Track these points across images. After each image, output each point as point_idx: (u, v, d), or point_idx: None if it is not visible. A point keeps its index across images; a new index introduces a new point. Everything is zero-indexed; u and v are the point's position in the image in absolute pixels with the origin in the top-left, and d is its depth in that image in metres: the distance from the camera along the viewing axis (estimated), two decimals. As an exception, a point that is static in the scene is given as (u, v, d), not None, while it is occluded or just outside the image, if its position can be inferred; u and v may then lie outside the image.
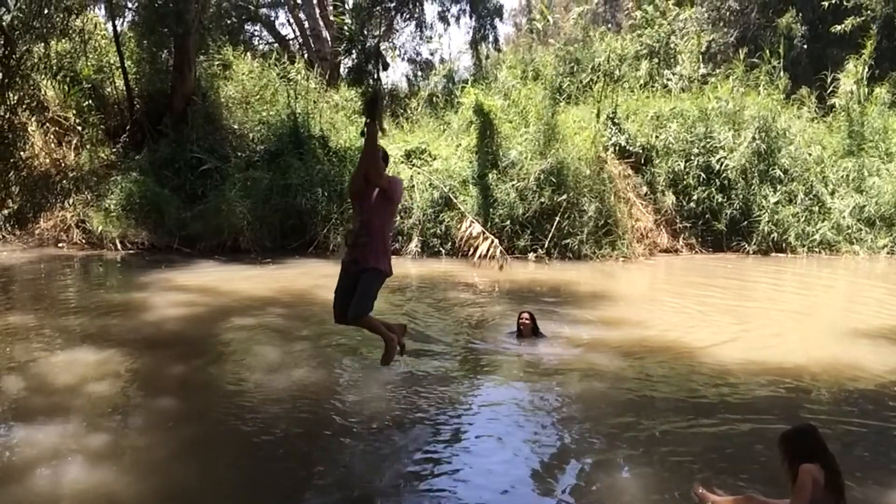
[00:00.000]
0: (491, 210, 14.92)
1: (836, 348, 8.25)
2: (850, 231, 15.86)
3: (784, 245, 15.73)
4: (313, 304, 10.11)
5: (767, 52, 18.90)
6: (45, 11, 15.94)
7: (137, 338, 8.22)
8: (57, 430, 5.49)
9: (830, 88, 19.25)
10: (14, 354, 7.57)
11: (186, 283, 11.43)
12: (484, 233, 14.12)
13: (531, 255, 14.46)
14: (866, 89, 18.55)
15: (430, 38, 27.55)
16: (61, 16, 16.48)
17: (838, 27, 21.48)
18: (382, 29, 21.26)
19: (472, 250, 14.08)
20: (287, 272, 12.86)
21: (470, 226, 14.27)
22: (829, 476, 3.79)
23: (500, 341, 8.28)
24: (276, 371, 7.01)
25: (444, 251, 14.74)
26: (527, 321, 8.05)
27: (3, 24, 16.30)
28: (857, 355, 7.90)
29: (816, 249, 15.63)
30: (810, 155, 16.99)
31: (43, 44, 16.52)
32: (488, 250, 13.74)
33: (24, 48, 16.39)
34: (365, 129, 5.29)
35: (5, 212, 16.28)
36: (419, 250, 14.65)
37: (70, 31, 17.14)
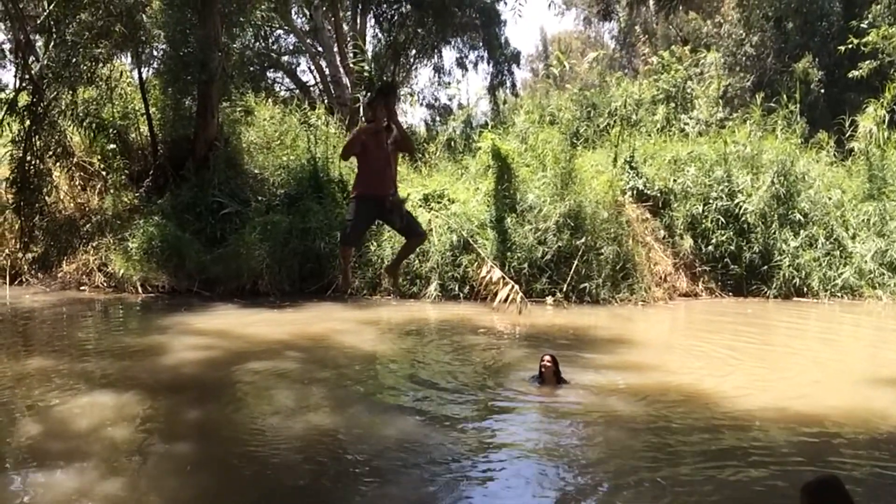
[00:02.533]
0: (508, 253, 14.91)
1: (860, 394, 8.09)
2: (872, 275, 15.66)
3: (805, 289, 15.55)
4: (331, 347, 10.12)
5: (784, 96, 18.95)
6: (73, 60, 16.37)
7: (155, 381, 8.25)
8: (75, 474, 5.49)
9: (849, 133, 19.20)
10: (33, 398, 7.61)
11: (205, 327, 11.48)
12: (504, 278, 14.09)
13: (549, 299, 14.39)
14: (886, 133, 18.46)
15: (449, 83, 28.06)
16: (88, 64, 16.92)
17: (855, 72, 21.53)
18: (402, 75, 21.60)
19: (491, 295, 14.04)
20: (305, 316, 12.89)
21: (490, 271, 14.26)
22: None
23: (520, 386, 8.20)
24: (293, 415, 6.99)
25: (462, 295, 14.71)
26: (549, 365, 7.96)
27: (32, 72, 16.77)
28: (883, 401, 7.74)
29: (838, 294, 15.42)
30: (830, 199, 16.88)
31: (70, 91, 16.94)
32: (508, 296, 13.69)
33: (52, 96, 16.83)
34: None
35: (29, 256, 16.53)
36: (438, 294, 14.63)
37: (97, 79, 17.57)
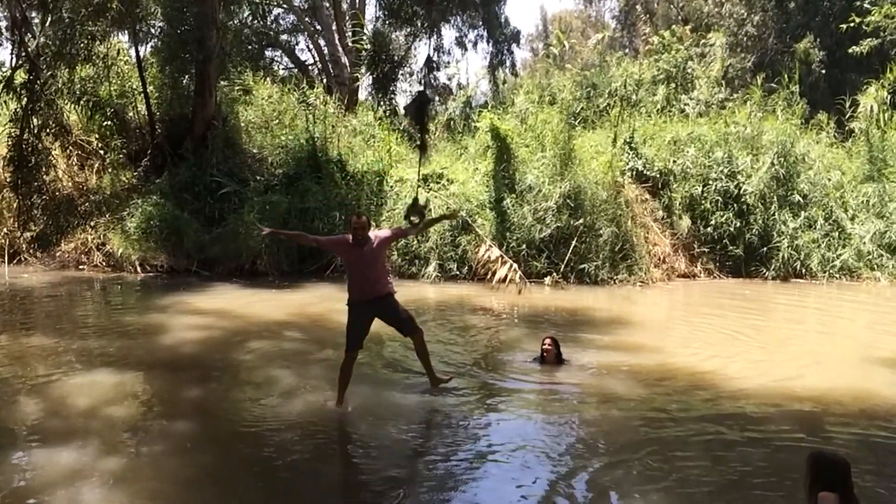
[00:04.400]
0: (507, 234, 14.91)
1: (858, 375, 8.13)
2: (870, 257, 15.68)
3: (804, 271, 15.57)
4: (329, 328, 10.12)
5: (785, 77, 18.86)
6: (70, 38, 16.26)
7: (155, 360, 8.27)
8: (75, 452, 5.51)
9: (849, 114, 19.13)
10: (33, 376, 7.64)
11: (204, 307, 11.50)
12: (502, 257, 14.09)
13: (547, 280, 14.39)
14: (887, 113, 18.39)
15: (448, 63, 27.86)
16: (85, 42, 16.80)
17: (856, 48, 21.44)
18: (401, 54, 21.42)
19: (489, 274, 14.06)
20: (304, 296, 12.90)
21: (488, 250, 14.27)
22: None
23: (521, 366, 8.23)
24: (292, 395, 7.01)
25: (461, 275, 14.72)
26: (549, 347, 7.99)
27: (29, 50, 16.66)
28: (880, 382, 7.77)
29: (836, 275, 15.45)
30: (829, 180, 16.86)
31: (67, 69, 16.83)
32: (507, 275, 13.70)
33: (49, 73, 16.72)
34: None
35: (28, 234, 16.52)
36: (437, 274, 14.64)
37: (94, 57, 17.45)
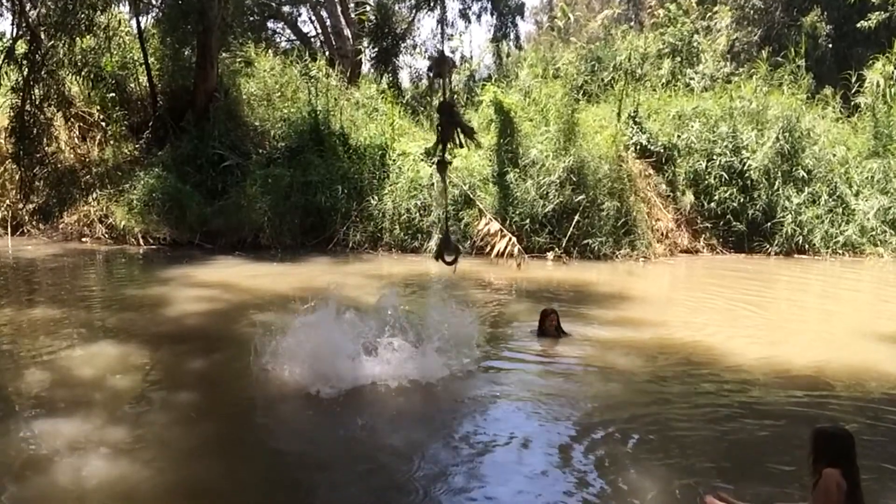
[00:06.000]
0: (510, 208, 14.86)
1: (858, 350, 8.15)
2: (874, 233, 15.63)
3: (807, 246, 15.54)
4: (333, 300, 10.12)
5: (792, 51, 18.69)
6: (71, 8, 16.12)
7: (158, 332, 8.30)
8: (79, 422, 5.56)
9: (855, 88, 18.95)
10: (37, 347, 7.67)
11: (207, 279, 11.51)
12: (502, 230, 14.07)
13: (550, 255, 14.39)
14: (893, 89, 18.21)
15: (452, 35, 27.59)
16: (86, 12, 16.66)
17: (864, 23, 21.21)
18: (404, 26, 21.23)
19: (489, 248, 14.04)
20: (307, 269, 12.91)
21: (488, 223, 14.24)
22: (849, 489, 3.71)
23: (521, 339, 8.25)
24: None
25: (463, 249, 14.69)
26: (552, 322, 8.01)
27: (30, 20, 16.52)
28: (880, 358, 7.79)
29: (840, 251, 15.42)
30: (834, 156, 16.76)
31: (68, 40, 16.70)
32: (506, 248, 13.69)
33: (50, 44, 16.60)
34: None
35: (30, 206, 16.51)
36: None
37: (95, 28, 17.30)
